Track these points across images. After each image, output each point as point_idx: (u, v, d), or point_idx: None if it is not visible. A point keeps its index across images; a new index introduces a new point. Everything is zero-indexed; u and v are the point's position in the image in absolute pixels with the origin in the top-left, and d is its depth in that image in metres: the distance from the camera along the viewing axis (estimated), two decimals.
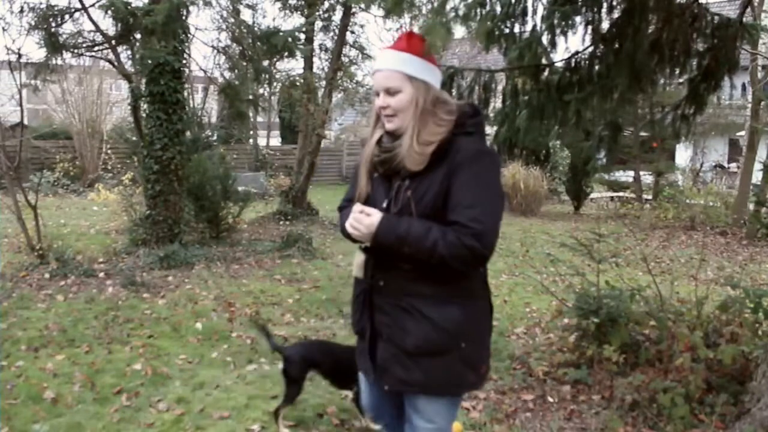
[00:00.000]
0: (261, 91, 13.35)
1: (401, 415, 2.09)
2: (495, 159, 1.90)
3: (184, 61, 8.04)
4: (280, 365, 3.29)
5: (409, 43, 1.91)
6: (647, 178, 15.50)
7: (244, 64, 8.48)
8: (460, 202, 1.79)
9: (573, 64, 3.66)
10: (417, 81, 1.85)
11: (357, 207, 1.90)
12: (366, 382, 2.17)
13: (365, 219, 1.85)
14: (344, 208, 2.10)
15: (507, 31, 3.38)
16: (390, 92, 1.86)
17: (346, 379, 3.08)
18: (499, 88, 3.87)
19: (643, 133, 13.90)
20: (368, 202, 1.96)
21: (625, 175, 16.48)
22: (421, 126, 1.84)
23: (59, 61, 7.83)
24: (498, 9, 3.33)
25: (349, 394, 3.28)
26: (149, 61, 7.20)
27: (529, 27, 3.43)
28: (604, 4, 3.45)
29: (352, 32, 12.07)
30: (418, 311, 1.88)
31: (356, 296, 2.06)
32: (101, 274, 6.38)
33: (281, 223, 10.74)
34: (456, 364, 1.91)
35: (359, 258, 2.00)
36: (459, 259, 1.78)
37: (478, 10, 3.11)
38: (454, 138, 1.85)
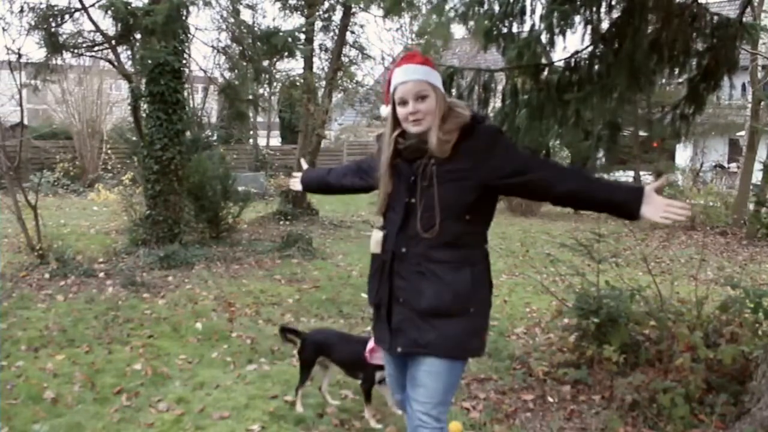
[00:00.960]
0: (261, 91, 13.36)
1: None
2: (502, 132, 2.32)
3: (184, 61, 8.04)
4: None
5: (425, 59, 2.19)
6: (647, 178, 15.48)
7: (244, 64, 8.48)
8: (510, 163, 2.10)
9: (573, 64, 3.66)
10: (438, 89, 2.14)
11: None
12: (390, 363, 2.38)
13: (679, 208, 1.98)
14: (332, 170, 2.63)
15: (505, 30, 3.37)
16: (421, 98, 2.10)
17: (354, 367, 3.32)
18: (499, 87, 3.86)
19: (642, 133, 13.89)
20: (389, 186, 2.19)
21: (625, 175, 16.45)
22: (443, 122, 2.11)
23: (59, 61, 7.83)
24: (496, 8, 3.33)
25: (358, 381, 3.43)
26: (149, 61, 7.21)
27: (527, 26, 3.43)
28: (603, 4, 3.44)
29: (352, 32, 12.07)
30: (433, 274, 2.11)
31: (374, 271, 2.28)
32: (101, 274, 6.38)
33: (281, 223, 10.74)
34: (464, 328, 2.14)
35: (377, 235, 2.23)
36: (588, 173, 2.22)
37: (476, 9, 3.11)
38: (473, 126, 2.12)
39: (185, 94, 8.73)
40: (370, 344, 3.07)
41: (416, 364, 2.18)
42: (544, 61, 3.62)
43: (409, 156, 2.16)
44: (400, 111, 2.14)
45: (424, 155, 2.12)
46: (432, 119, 2.10)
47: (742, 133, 14.06)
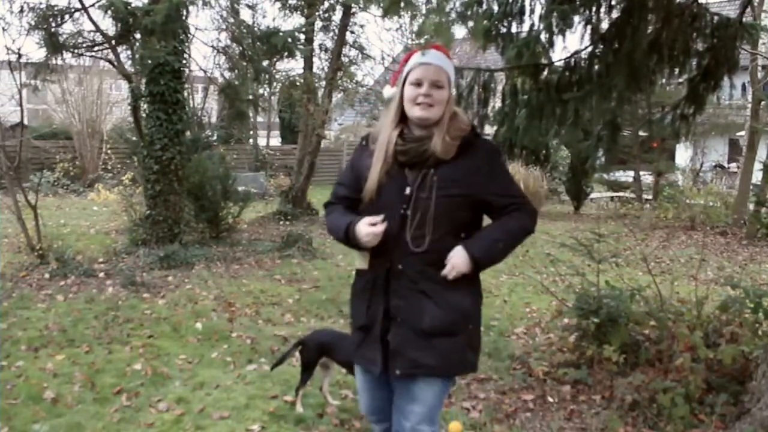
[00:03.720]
0: (261, 91, 13.33)
1: None
2: (501, 151, 2.33)
3: (184, 61, 8.03)
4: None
5: (449, 54, 2.14)
6: (647, 178, 15.49)
7: (244, 64, 8.47)
8: (507, 190, 2.11)
9: (572, 64, 3.66)
10: (451, 87, 2.11)
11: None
12: (366, 387, 2.22)
13: (458, 263, 2.01)
14: (333, 204, 2.23)
15: (504, 30, 3.38)
16: (436, 85, 2.03)
17: None
18: (499, 87, 3.87)
19: (642, 133, 13.89)
20: (380, 192, 2.04)
21: (625, 175, 16.47)
22: (450, 123, 2.05)
23: (59, 61, 7.83)
24: (495, 8, 3.33)
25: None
26: (149, 61, 7.21)
27: (526, 26, 3.44)
28: (603, 4, 3.45)
29: (352, 32, 12.06)
30: (435, 293, 2.02)
31: (362, 288, 2.13)
32: (101, 274, 6.38)
33: (281, 223, 10.74)
34: (464, 345, 2.09)
35: (364, 251, 2.07)
36: (530, 222, 2.13)
37: (476, 9, 3.11)
38: (473, 137, 2.09)
39: (185, 94, 8.72)
40: None
41: (410, 380, 2.09)
42: (543, 60, 3.62)
43: (406, 161, 2.03)
44: (412, 91, 2.02)
45: (424, 163, 2.02)
46: (440, 111, 2.02)
47: (742, 133, 14.06)
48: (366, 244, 2.01)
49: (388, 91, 2.17)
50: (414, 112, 2.03)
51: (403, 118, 2.08)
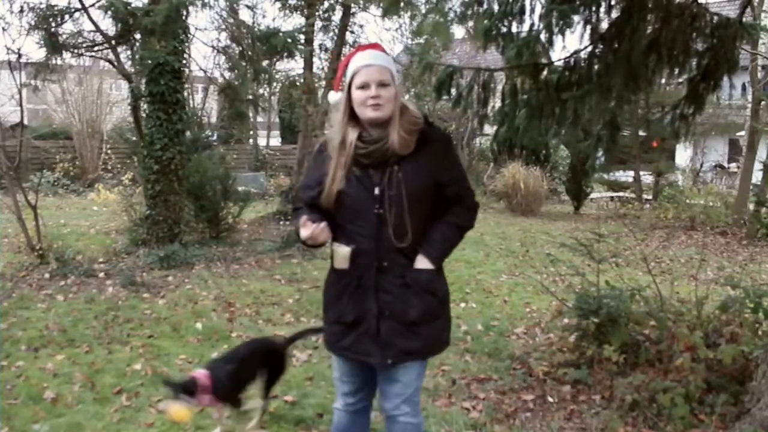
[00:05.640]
0: (261, 91, 13.33)
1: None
2: (452, 139, 2.38)
3: (184, 61, 8.03)
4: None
5: (385, 51, 2.20)
6: (647, 178, 15.48)
7: (244, 64, 8.47)
8: (462, 180, 2.24)
9: (572, 64, 3.66)
10: (396, 83, 2.15)
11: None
12: (352, 372, 2.31)
13: (422, 273, 2.17)
14: (300, 208, 2.28)
15: (504, 29, 3.38)
16: (383, 84, 2.07)
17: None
18: (499, 87, 3.87)
19: (642, 133, 13.88)
20: (343, 196, 2.12)
21: (625, 175, 16.47)
22: (401, 117, 2.10)
23: (59, 61, 7.83)
24: (495, 7, 3.34)
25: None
26: (149, 61, 7.20)
27: (526, 26, 3.44)
28: (603, 4, 3.45)
29: (352, 32, 12.07)
30: (417, 283, 2.15)
31: (346, 285, 2.22)
32: (101, 274, 6.38)
33: (281, 223, 10.72)
34: (444, 326, 2.28)
35: (344, 251, 2.18)
36: (473, 219, 2.29)
37: (476, 9, 3.11)
38: (428, 128, 2.17)
39: (185, 94, 8.72)
40: None
41: (389, 372, 2.23)
42: (543, 60, 3.63)
43: (370, 162, 2.10)
44: (360, 95, 2.08)
45: (387, 161, 2.09)
46: (391, 109, 2.07)
47: (742, 133, 14.06)
48: (308, 241, 2.14)
49: (334, 96, 2.21)
50: (366, 114, 2.08)
51: (355, 120, 2.13)
